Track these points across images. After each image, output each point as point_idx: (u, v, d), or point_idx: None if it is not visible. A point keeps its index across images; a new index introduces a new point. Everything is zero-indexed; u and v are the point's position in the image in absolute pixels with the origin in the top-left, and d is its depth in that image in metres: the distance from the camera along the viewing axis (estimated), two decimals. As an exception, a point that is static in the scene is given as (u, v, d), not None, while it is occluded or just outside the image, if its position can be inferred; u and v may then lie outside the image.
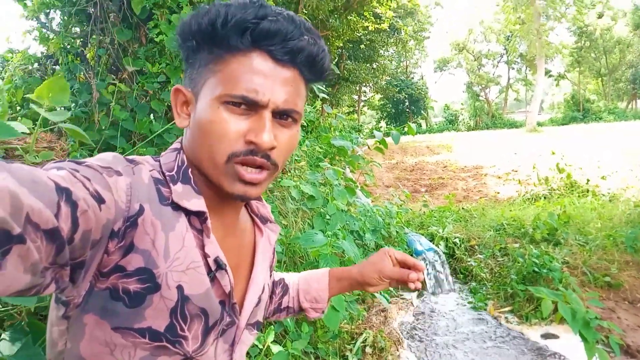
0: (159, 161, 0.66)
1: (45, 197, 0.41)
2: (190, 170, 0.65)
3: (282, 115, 0.64)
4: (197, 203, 0.63)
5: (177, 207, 0.61)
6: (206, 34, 0.61)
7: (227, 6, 0.60)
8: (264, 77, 0.60)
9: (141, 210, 0.56)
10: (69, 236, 0.44)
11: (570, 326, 2.21)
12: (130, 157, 0.62)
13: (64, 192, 0.44)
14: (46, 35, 3.31)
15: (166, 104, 2.95)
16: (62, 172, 0.48)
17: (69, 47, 3.18)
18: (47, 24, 3.23)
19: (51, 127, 2.76)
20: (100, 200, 0.50)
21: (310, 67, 0.65)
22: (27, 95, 0.86)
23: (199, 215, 0.63)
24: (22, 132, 0.87)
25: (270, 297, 0.99)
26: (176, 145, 0.69)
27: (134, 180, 0.58)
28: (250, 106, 0.61)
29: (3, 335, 1.07)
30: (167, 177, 0.63)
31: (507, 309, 4.06)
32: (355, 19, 9.81)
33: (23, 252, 0.39)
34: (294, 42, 0.61)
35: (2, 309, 1.21)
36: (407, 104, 34.73)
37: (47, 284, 0.45)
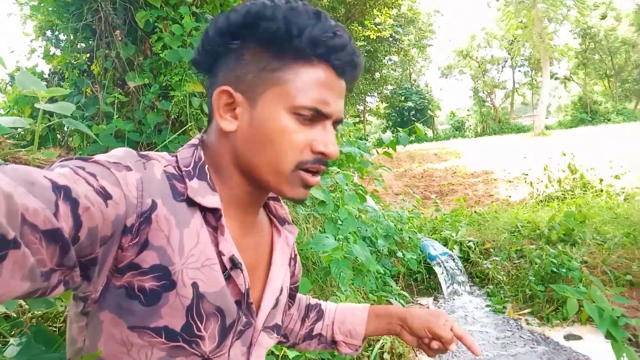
0: (176, 157, 0.65)
1: (41, 197, 0.40)
2: (207, 167, 0.64)
3: (334, 124, 0.66)
4: (211, 200, 0.61)
5: (192, 203, 0.60)
6: (278, 41, 0.60)
7: (293, 12, 0.59)
8: (331, 89, 0.62)
9: (154, 206, 0.55)
10: (72, 235, 0.43)
11: (597, 325, 2.11)
12: (144, 152, 0.61)
13: (61, 190, 0.43)
14: (51, 53, 3.33)
15: (163, 114, 2.93)
16: (64, 170, 0.47)
17: (74, 62, 3.20)
18: (52, 40, 3.26)
19: (50, 123, 2.75)
20: (106, 196, 0.49)
21: (354, 79, 0.67)
22: (24, 92, 0.83)
23: (214, 212, 0.62)
24: (21, 127, 0.84)
25: (303, 320, 0.96)
26: (194, 141, 0.68)
27: (145, 175, 0.56)
28: (316, 117, 0.62)
29: (11, 341, 1.07)
30: (184, 173, 0.62)
31: (526, 311, 3.95)
32: (357, 29, 9.83)
33: (19, 258, 0.37)
34: (355, 58, 0.64)
35: (14, 315, 1.20)
36: (412, 112, 34.71)
37: (54, 286, 0.44)
